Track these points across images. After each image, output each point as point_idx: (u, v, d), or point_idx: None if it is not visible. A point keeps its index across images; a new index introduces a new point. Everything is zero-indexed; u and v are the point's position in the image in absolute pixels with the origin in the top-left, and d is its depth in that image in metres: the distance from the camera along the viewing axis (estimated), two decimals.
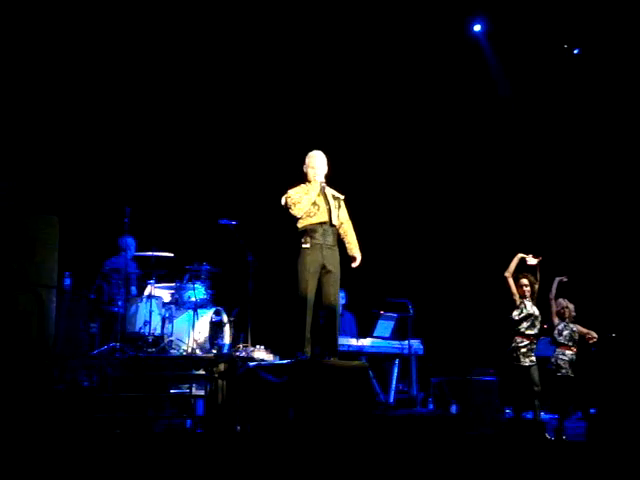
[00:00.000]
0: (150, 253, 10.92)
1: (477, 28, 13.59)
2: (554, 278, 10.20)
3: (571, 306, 10.23)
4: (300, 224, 8.75)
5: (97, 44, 12.24)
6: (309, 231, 8.69)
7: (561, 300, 10.22)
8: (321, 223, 8.72)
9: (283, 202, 8.78)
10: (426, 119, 13.79)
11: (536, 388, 9.54)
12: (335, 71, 13.27)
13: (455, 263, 13.55)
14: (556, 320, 10.08)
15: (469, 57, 13.57)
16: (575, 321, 10.26)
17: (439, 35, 13.17)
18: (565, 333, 10.08)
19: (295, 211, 8.71)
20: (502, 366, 9.66)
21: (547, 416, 10.45)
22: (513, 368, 9.57)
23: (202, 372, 9.39)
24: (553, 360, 10.07)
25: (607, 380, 11.49)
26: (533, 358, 9.66)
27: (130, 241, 11.07)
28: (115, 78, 12.53)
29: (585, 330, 10.14)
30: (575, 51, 13.52)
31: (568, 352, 10.01)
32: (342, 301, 11.60)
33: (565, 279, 10.13)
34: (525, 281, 9.77)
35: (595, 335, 10.15)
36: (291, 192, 8.81)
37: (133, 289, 11.02)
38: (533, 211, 13.83)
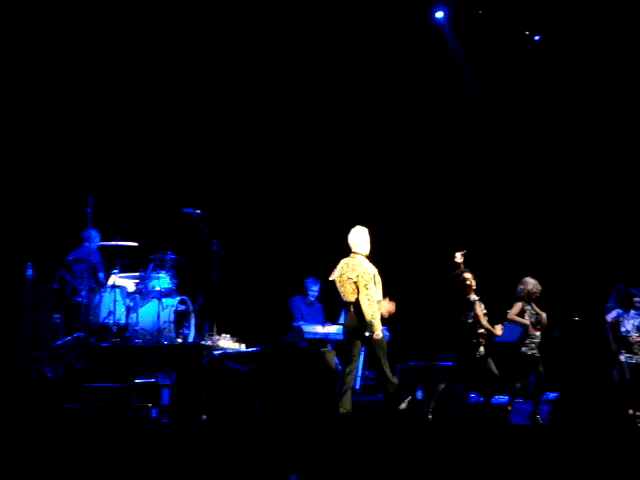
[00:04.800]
0: (114, 242, 10.87)
1: (439, 15, 13.60)
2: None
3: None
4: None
5: (59, 32, 12.13)
6: None
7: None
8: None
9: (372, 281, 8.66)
10: (389, 109, 13.77)
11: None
12: (296, 62, 13.20)
13: (419, 248, 13.59)
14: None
15: (432, 44, 13.58)
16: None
17: (402, 22, 13.17)
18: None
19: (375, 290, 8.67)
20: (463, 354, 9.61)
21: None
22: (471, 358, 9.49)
23: (168, 361, 9.37)
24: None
25: (571, 364, 11.61)
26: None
27: (94, 233, 11.01)
28: (76, 65, 12.42)
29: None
30: (536, 38, 13.59)
31: (537, 333, 9.96)
32: (315, 294, 11.62)
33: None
34: (468, 275, 9.57)
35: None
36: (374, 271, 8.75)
37: (101, 275, 10.92)
38: (498, 198, 13.89)
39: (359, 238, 8.86)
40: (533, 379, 10.08)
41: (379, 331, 8.60)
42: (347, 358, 8.69)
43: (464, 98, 13.82)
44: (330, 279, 8.87)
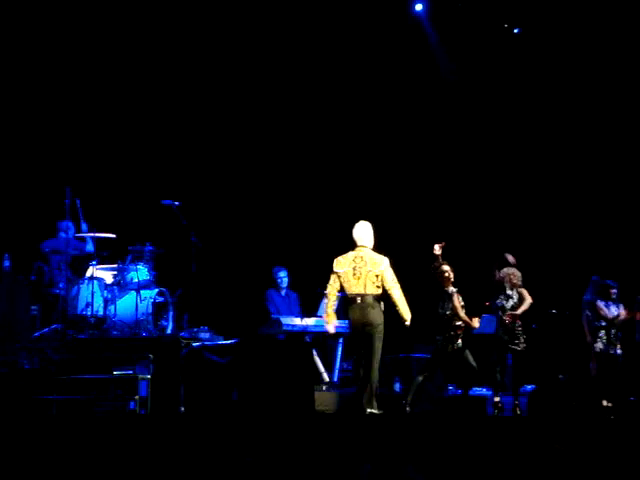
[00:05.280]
0: (92, 234, 10.84)
1: (418, 7, 13.61)
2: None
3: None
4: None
5: (35, 23, 12.06)
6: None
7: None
8: None
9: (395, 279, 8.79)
10: (368, 100, 13.77)
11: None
12: (272, 52, 13.17)
13: (397, 241, 13.60)
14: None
15: (411, 36, 13.59)
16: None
17: (381, 15, 13.16)
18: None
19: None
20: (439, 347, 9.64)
21: (489, 392, 10.56)
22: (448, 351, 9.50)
23: (146, 353, 9.36)
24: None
25: (548, 356, 11.67)
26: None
27: (71, 225, 10.97)
28: (54, 57, 12.35)
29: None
30: (515, 30, 13.64)
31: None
32: (285, 279, 11.63)
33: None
34: (447, 267, 9.59)
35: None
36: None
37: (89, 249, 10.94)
38: (476, 191, 13.93)
39: (363, 232, 8.91)
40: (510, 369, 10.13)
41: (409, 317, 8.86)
42: (363, 356, 8.72)
43: (443, 88, 13.83)
44: (336, 270, 8.80)
